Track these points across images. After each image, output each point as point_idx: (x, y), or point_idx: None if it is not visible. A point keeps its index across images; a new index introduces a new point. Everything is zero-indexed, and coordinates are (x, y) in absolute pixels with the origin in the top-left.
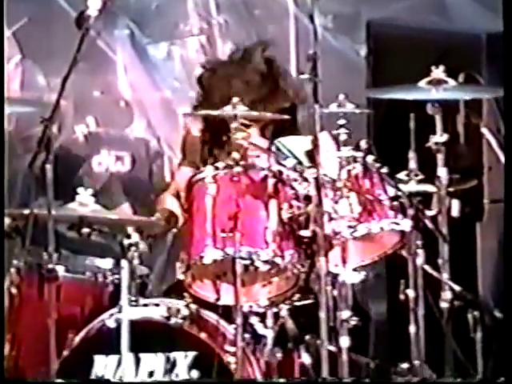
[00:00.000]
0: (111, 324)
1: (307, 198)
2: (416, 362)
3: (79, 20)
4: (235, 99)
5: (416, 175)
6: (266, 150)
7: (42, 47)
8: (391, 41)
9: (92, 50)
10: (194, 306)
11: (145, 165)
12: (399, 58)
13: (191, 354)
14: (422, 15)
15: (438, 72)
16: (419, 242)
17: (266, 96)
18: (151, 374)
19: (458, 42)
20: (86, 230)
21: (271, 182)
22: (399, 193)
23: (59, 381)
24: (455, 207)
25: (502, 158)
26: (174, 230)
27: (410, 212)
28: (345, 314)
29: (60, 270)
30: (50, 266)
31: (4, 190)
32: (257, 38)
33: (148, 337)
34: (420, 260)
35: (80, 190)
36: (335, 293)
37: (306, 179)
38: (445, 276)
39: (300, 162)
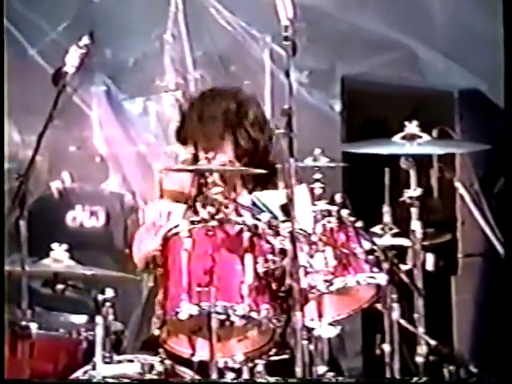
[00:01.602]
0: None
1: (283, 252)
2: None
3: (56, 76)
4: (210, 154)
5: (391, 229)
6: (241, 204)
7: (18, 104)
8: (365, 96)
9: (68, 105)
10: (168, 362)
11: (120, 220)
12: (373, 112)
13: None
14: (395, 71)
15: (412, 127)
16: (394, 296)
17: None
18: None
19: (431, 98)
20: (60, 287)
21: (247, 235)
22: (374, 247)
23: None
24: (430, 261)
25: (476, 212)
26: (150, 285)
27: (385, 266)
28: (321, 368)
29: (33, 327)
30: (24, 323)
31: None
32: None
33: None
34: (395, 314)
35: (54, 245)
36: (311, 347)
37: (280, 233)
38: (420, 330)
39: (275, 217)
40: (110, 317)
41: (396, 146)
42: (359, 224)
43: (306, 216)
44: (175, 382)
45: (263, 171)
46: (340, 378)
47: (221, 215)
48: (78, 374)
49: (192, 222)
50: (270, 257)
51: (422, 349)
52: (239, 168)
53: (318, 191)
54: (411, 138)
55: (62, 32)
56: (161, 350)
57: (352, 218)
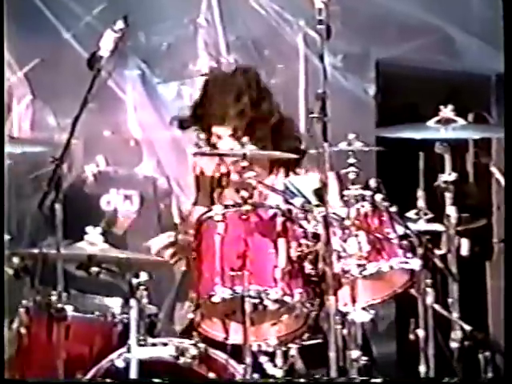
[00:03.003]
0: (120, 364)
1: (316, 237)
2: None
3: (91, 61)
4: (244, 138)
5: (425, 214)
6: (274, 188)
7: (53, 88)
8: (400, 80)
9: (103, 89)
10: (202, 345)
11: (153, 204)
12: (408, 97)
13: None
14: (431, 55)
15: (447, 111)
16: (429, 281)
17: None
18: None
19: (467, 82)
20: (94, 269)
21: (280, 220)
22: (408, 231)
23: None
24: (464, 246)
25: None
26: (183, 269)
27: (420, 251)
28: (354, 353)
29: (69, 309)
30: (59, 305)
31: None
32: (266, 77)
33: (157, 377)
34: (430, 299)
35: (89, 229)
36: (344, 332)
37: (314, 218)
38: (455, 315)
39: (308, 201)
40: (144, 300)
41: (431, 131)
42: (393, 209)
43: (335, 203)
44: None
45: (295, 156)
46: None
47: (254, 199)
48: (113, 356)
49: (226, 206)
50: (303, 241)
51: (457, 334)
52: (272, 152)
53: (352, 176)
54: (446, 122)
55: (97, 16)
56: (195, 334)
57: (386, 203)
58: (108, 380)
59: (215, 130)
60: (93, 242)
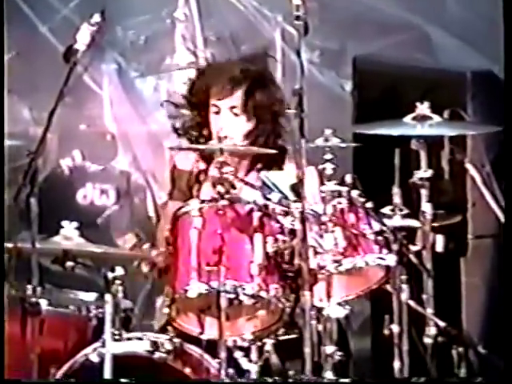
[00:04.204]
0: (94, 358)
1: (292, 232)
2: None
3: (67, 54)
4: (222, 133)
5: (400, 210)
6: (251, 183)
7: (28, 81)
8: (377, 76)
9: (79, 83)
10: (177, 340)
11: (128, 198)
12: (384, 93)
13: None
14: (407, 52)
15: (423, 108)
16: (404, 277)
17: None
18: None
19: (443, 79)
20: (70, 264)
21: (257, 215)
22: (384, 228)
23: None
24: (439, 242)
25: (486, 194)
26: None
27: (395, 247)
28: (329, 348)
29: (43, 303)
30: (34, 299)
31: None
32: None
33: (131, 371)
34: (404, 295)
35: (64, 223)
36: (320, 327)
37: (291, 213)
38: (429, 311)
39: (285, 196)
40: (120, 294)
41: (407, 127)
42: (369, 205)
43: (315, 197)
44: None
45: (274, 151)
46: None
47: (231, 194)
48: (88, 350)
49: (202, 201)
50: (279, 236)
51: (431, 330)
52: (250, 148)
53: (328, 172)
54: (422, 119)
55: (74, 9)
56: (170, 328)
57: (362, 199)
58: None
59: (214, 102)
60: (68, 236)
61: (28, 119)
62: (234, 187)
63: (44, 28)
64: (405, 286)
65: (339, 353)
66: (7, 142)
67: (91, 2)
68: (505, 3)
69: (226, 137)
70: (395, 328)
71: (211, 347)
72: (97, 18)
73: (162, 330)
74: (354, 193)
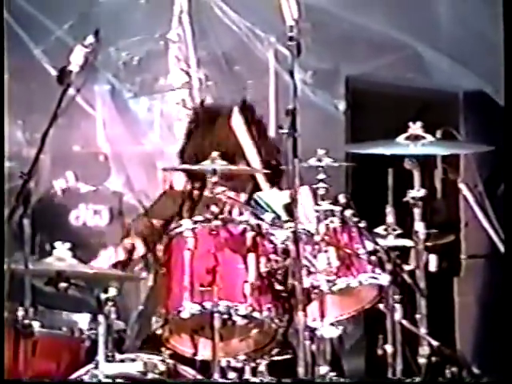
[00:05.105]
0: (88, 380)
1: (285, 252)
2: None
3: (61, 75)
4: (214, 154)
5: (394, 230)
6: (244, 204)
7: (21, 103)
8: (370, 96)
9: (72, 104)
10: (171, 361)
11: (120, 219)
12: (377, 113)
13: None
14: (400, 72)
15: (416, 128)
16: (397, 297)
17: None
18: None
19: (436, 99)
20: (63, 285)
21: (250, 235)
22: (377, 247)
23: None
24: (433, 262)
25: (479, 214)
26: (150, 284)
27: (388, 266)
28: (323, 369)
29: (36, 325)
30: (26, 321)
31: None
32: (236, 92)
33: None
34: (398, 315)
35: (57, 244)
36: (313, 347)
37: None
38: (423, 331)
39: (278, 216)
40: (113, 315)
41: (400, 147)
42: (362, 224)
43: (309, 217)
44: (182, 382)
45: (267, 171)
46: (342, 379)
47: (224, 215)
48: (81, 372)
49: (195, 222)
50: (272, 256)
51: (425, 349)
52: (243, 168)
53: (321, 191)
54: (415, 138)
55: (67, 30)
56: (163, 349)
57: (355, 219)
58: (109, 380)
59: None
60: (61, 257)
61: (21, 140)
62: (225, 207)
63: (37, 50)
64: (398, 306)
65: (332, 373)
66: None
67: (85, 23)
68: (505, 20)
69: (218, 157)
70: (389, 348)
71: (205, 368)
72: (90, 39)
73: (145, 344)
74: (348, 212)
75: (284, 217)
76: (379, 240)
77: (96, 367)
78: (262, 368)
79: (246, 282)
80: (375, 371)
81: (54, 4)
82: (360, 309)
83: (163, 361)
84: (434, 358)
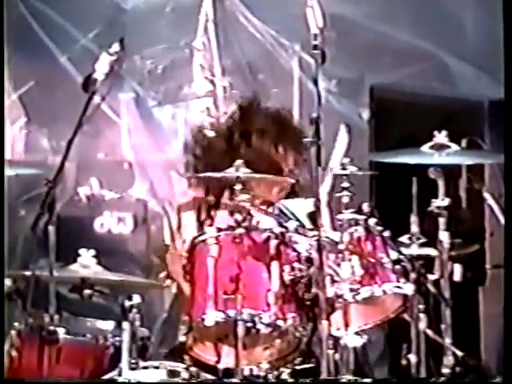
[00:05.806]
0: None
1: (309, 261)
2: None
3: (86, 83)
4: (238, 162)
5: (418, 239)
6: (268, 212)
7: (47, 110)
8: (394, 105)
9: (97, 112)
10: (194, 369)
11: (144, 226)
12: (402, 122)
13: None
14: (425, 81)
15: (441, 137)
16: (421, 306)
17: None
18: None
19: (461, 108)
20: (87, 292)
21: (273, 243)
22: (401, 256)
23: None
24: (457, 272)
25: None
26: (173, 291)
27: (413, 276)
28: (346, 378)
29: (61, 332)
30: (51, 328)
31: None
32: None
33: None
34: (422, 324)
35: (82, 251)
36: (337, 356)
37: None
38: (447, 341)
39: (302, 225)
40: (137, 323)
41: (424, 156)
42: (386, 233)
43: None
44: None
45: (291, 180)
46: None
47: (248, 222)
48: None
49: (219, 229)
50: (296, 265)
51: (449, 359)
52: (267, 176)
53: (345, 200)
54: (440, 147)
55: (93, 39)
56: (186, 357)
57: (379, 228)
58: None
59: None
60: (86, 264)
61: (46, 148)
62: (250, 215)
63: (63, 58)
64: (422, 316)
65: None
66: (26, 171)
67: (110, 31)
68: None
69: (242, 165)
70: (413, 357)
71: (228, 376)
72: (116, 47)
73: (171, 353)
74: (371, 221)
75: (308, 225)
76: (403, 249)
77: (119, 374)
78: (285, 376)
79: (270, 290)
80: (399, 381)
81: (80, 12)
82: (384, 318)
83: (187, 368)
84: (458, 368)
